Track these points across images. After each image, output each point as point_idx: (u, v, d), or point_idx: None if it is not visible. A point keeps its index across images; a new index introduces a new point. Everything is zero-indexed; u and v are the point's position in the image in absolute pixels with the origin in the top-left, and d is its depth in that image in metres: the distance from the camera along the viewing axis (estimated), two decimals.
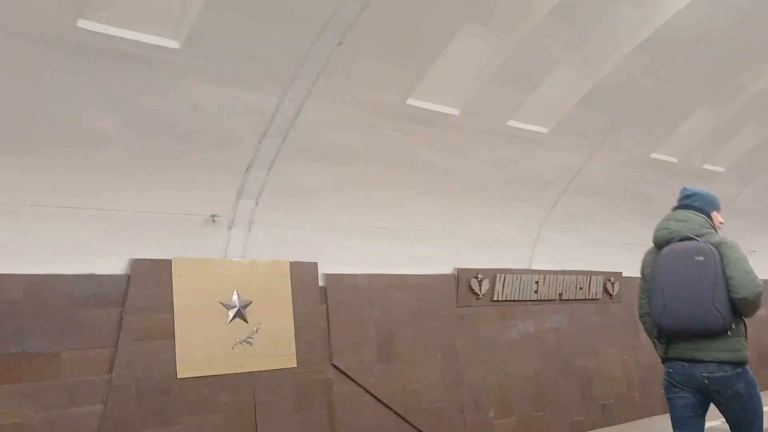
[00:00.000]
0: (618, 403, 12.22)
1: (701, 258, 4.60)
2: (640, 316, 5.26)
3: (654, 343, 5.03)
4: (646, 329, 5.23)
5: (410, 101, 8.40)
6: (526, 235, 11.59)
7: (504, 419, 10.60)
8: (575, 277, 12.14)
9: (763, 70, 11.08)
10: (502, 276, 11.05)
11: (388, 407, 9.26)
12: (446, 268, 10.47)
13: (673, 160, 12.30)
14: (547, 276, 11.75)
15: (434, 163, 9.52)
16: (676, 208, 5.51)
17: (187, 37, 6.39)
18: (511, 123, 9.63)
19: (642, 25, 8.99)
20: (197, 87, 6.88)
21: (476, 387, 10.43)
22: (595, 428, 11.30)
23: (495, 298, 10.96)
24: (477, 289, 10.69)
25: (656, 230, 5.39)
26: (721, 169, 13.35)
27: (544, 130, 10.04)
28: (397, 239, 9.71)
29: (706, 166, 13.07)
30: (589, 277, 12.38)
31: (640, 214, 13.02)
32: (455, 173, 9.92)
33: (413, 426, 9.49)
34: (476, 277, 10.69)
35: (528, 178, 10.78)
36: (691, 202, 5.31)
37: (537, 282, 11.58)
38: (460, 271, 10.57)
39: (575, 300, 12.16)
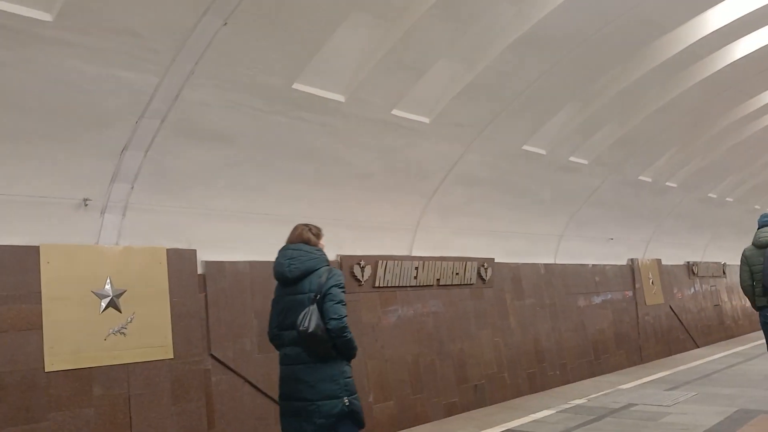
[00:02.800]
0: (489, 384, 12.77)
1: None
2: (744, 287, 8.26)
3: (752, 298, 7.93)
4: (746, 293, 8.19)
5: (296, 86, 8.29)
6: (407, 222, 11.83)
7: (383, 403, 10.80)
8: (452, 263, 12.55)
9: (625, 70, 11.92)
10: (384, 262, 11.22)
11: (269, 397, 9.15)
12: (329, 255, 10.44)
13: (543, 152, 12.97)
14: (426, 262, 12.06)
15: (319, 150, 9.47)
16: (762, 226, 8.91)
17: (60, 10, 5.94)
18: (395, 112, 9.76)
19: (517, 22, 9.39)
20: (70, 62, 6.42)
21: (356, 373, 10.49)
22: (468, 409, 11.76)
23: (377, 285, 11.11)
24: (359, 276, 10.79)
25: (758, 237, 8.69)
26: (585, 162, 14.23)
27: (425, 120, 10.26)
28: (280, 225, 9.53)
29: (572, 159, 13.89)
30: (465, 263, 12.84)
31: (512, 204, 13.72)
32: (340, 160, 9.94)
33: None
34: (359, 264, 10.79)
35: (410, 166, 10.99)
36: None
37: (417, 268, 11.86)
38: (343, 258, 10.61)
39: (452, 285, 12.57)
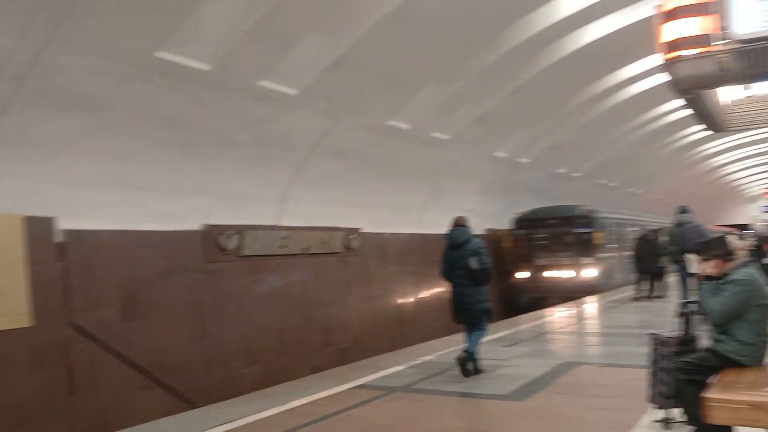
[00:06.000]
0: (353, 347, 13.36)
1: None
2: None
3: None
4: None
5: (161, 54, 8.25)
6: (276, 193, 12.04)
7: (249, 368, 11.05)
8: (320, 233, 12.94)
9: (483, 52, 12.65)
10: (252, 232, 11.41)
11: (133, 364, 9.19)
12: (195, 224, 10.53)
13: (407, 127, 13.56)
14: (295, 232, 12.37)
15: (186, 118, 9.47)
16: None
17: None
18: (263, 83, 9.90)
19: (383, 1, 9.78)
20: None
21: (223, 340, 10.73)
22: (330, 368, 12.31)
23: (243, 254, 11.29)
24: (225, 245, 10.92)
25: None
26: (446, 137, 14.99)
27: (294, 92, 10.47)
28: (144, 194, 9.53)
29: (434, 134, 14.60)
30: (332, 233, 13.27)
31: (378, 177, 14.26)
32: (207, 129, 9.97)
33: (158, 381, 9.53)
34: (225, 233, 10.91)
35: (279, 138, 11.19)
36: None
37: (284, 237, 12.14)
38: (209, 227, 10.69)
39: (320, 254, 12.97)
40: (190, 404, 9.38)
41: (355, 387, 6.66)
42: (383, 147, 13.66)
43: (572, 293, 17.54)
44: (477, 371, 7.12)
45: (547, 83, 14.88)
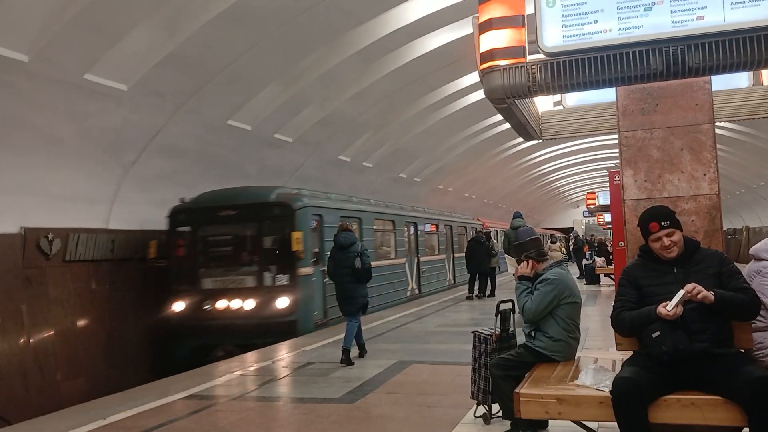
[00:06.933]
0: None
1: None
2: None
3: None
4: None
5: None
6: (104, 193, 11.32)
7: (73, 380, 10.31)
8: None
9: (325, 55, 12.70)
10: (76, 235, 10.62)
11: None
12: (11, 227, 9.63)
13: (248, 128, 13.30)
14: (124, 235, 11.68)
15: None
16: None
17: None
18: (89, 77, 9.27)
19: None
20: None
21: (42, 350, 9.91)
22: None
23: (68, 258, 10.50)
24: (47, 250, 10.08)
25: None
26: (289, 139, 14.89)
27: (123, 87, 9.90)
28: None
29: (277, 136, 14.44)
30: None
31: (218, 177, 13.85)
32: (24, 123, 9.16)
33: None
34: (47, 237, 10.07)
35: (106, 134, 10.52)
36: None
37: (114, 241, 11.43)
38: (27, 230, 9.82)
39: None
40: (4, 421, 8.54)
41: (184, 398, 6.38)
42: (222, 147, 13.30)
43: (254, 338, 10.38)
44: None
45: (387, 90, 15.25)
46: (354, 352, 8.08)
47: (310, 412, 5.66)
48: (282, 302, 10.77)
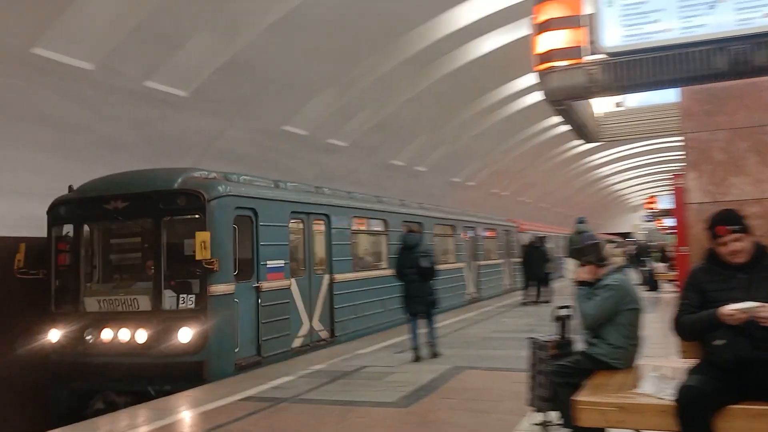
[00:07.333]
0: None
1: None
2: None
3: None
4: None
5: (36, 50, 7.76)
6: None
7: None
8: None
9: (379, 60, 12.77)
10: None
11: None
12: None
13: (304, 132, 13.45)
14: None
15: (63, 117, 8.94)
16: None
17: None
18: (149, 84, 9.54)
19: (278, 3, 9.67)
20: None
21: None
22: None
23: None
24: None
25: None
26: (344, 144, 14.99)
27: (183, 93, 10.15)
28: (15, 197, 8.92)
29: (331, 141, 14.56)
30: None
31: None
32: (88, 130, 9.48)
33: None
34: None
35: (167, 140, 10.80)
36: None
37: None
38: None
39: None
40: None
41: (240, 399, 6.47)
42: (278, 152, 13.48)
43: (144, 383, 7.44)
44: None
45: (442, 93, 15.20)
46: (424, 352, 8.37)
47: (364, 416, 5.66)
48: (183, 334, 7.55)
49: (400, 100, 14.60)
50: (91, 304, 8.20)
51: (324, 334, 9.88)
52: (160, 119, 10.29)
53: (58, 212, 8.46)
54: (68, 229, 8.44)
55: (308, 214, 9.89)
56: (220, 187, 8.10)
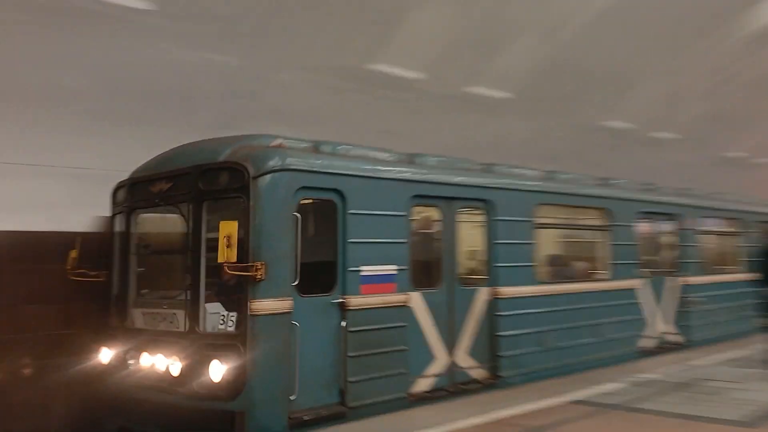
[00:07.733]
0: None
1: None
2: None
3: None
4: None
5: (373, 65, 8.65)
6: None
7: None
8: None
9: (712, 43, 11.55)
10: None
11: None
12: None
13: (626, 126, 12.84)
14: None
15: (402, 129, 9.67)
16: None
17: None
18: (467, 89, 9.92)
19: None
20: None
21: None
22: None
23: None
24: None
25: None
26: (670, 136, 13.93)
27: (501, 95, 10.36)
28: None
29: (653, 134, 13.67)
30: None
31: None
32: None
33: None
34: None
35: (488, 142, 11.04)
36: None
37: None
38: None
39: None
40: None
41: (571, 402, 6.33)
42: (599, 148, 12.96)
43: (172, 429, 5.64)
44: None
45: None
46: None
47: (698, 430, 5.18)
48: (215, 370, 5.44)
49: (736, 84, 13.04)
50: (138, 318, 6.35)
51: (479, 373, 6.95)
52: (475, 124, 10.61)
53: (116, 198, 6.80)
54: (122, 219, 6.58)
55: (445, 198, 6.98)
56: (273, 159, 5.66)
